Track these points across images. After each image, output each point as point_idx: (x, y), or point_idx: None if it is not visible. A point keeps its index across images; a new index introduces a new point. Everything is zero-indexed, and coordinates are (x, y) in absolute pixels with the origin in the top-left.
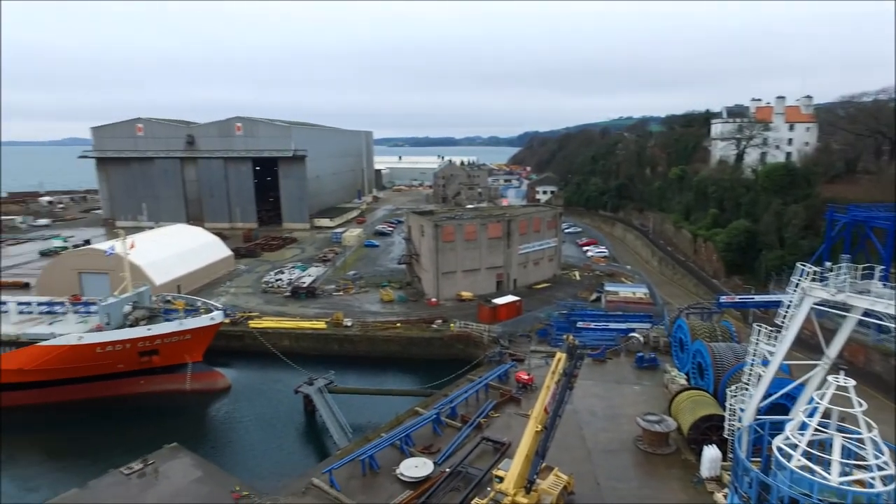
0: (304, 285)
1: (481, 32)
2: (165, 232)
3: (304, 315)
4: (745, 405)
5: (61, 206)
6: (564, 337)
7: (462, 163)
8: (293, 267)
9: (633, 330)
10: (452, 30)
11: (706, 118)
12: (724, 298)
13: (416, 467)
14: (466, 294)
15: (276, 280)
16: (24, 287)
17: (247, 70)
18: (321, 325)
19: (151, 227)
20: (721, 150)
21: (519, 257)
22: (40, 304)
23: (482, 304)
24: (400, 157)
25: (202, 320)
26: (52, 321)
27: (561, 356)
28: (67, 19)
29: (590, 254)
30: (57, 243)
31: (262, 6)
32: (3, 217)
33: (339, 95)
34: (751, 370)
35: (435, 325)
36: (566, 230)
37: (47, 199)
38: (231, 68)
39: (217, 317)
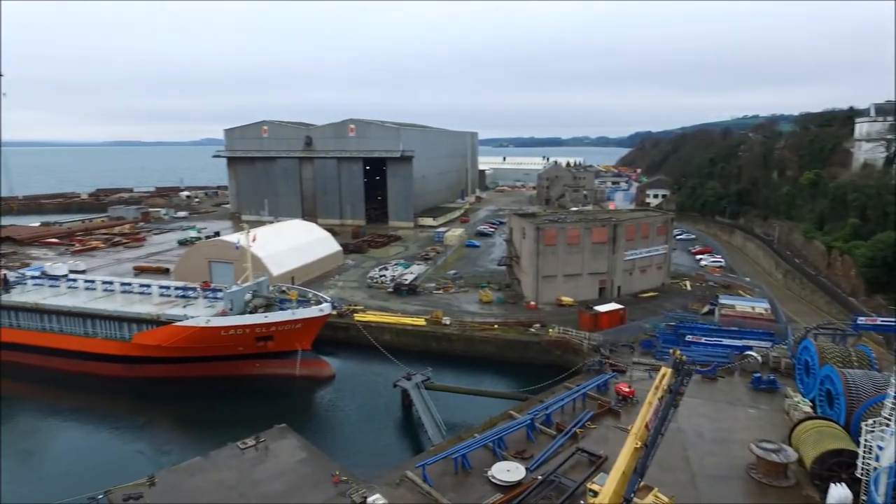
0: (406, 282)
1: (594, 31)
2: (283, 226)
3: (405, 311)
4: (885, 443)
5: (197, 200)
6: (671, 351)
7: (568, 164)
8: (396, 264)
9: (750, 348)
10: (561, 28)
11: (849, 117)
12: (862, 319)
13: (508, 471)
14: (567, 299)
15: (381, 276)
16: (165, 272)
17: (360, 72)
18: (421, 321)
19: (271, 222)
20: (866, 152)
21: (624, 264)
22: (177, 288)
23: (583, 310)
24: (504, 158)
25: (312, 311)
26: (185, 304)
27: (666, 371)
28: (204, 30)
29: (703, 263)
30: (192, 234)
31: (371, 7)
32: (150, 209)
33: (446, 96)
34: (894, 403)
35: (533, 329)
36: (677, 237)
37: (186, 193)
38: (345, 71)
39: (326, 308)
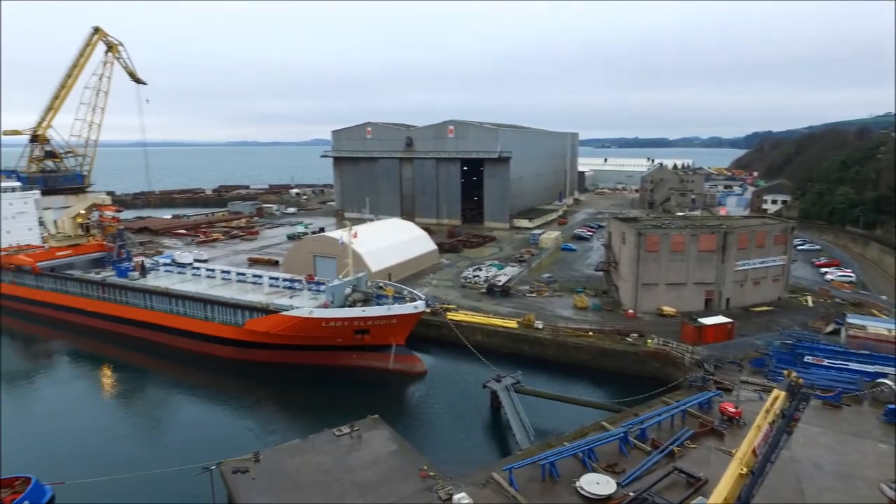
0: (500, 284)
1: (706, 24)
2: (383, 224)
3: (497, 312)
4: None
5: (305, 197)
6: (785, 372)
7: (675, 166)
8: (490, 265)
9: (884, 375)
10: (669, 23)
11: None
12: None
13: (598, 484)
14: (668, 309)
15: (474, 276)
16: (275, 264)
17: (463, 74)
18: (513, 324)
19: (372, 220)
20: None
21: (735, 274)
22: (284, 280)
23: (686, 322)
24: (605, 159)
25: (407, 308)
26: (291, 295)
27: (779, 394)
28: (318, 36)
29: (829, 277)
30: (300, 229)
31: (468, 6)
32: (264, 205)
33: (547, 96)
34: None
35: (630, 339)
36: (798, 247)
37: (296, 191)
38: (444, 72)
39: (420, 306)
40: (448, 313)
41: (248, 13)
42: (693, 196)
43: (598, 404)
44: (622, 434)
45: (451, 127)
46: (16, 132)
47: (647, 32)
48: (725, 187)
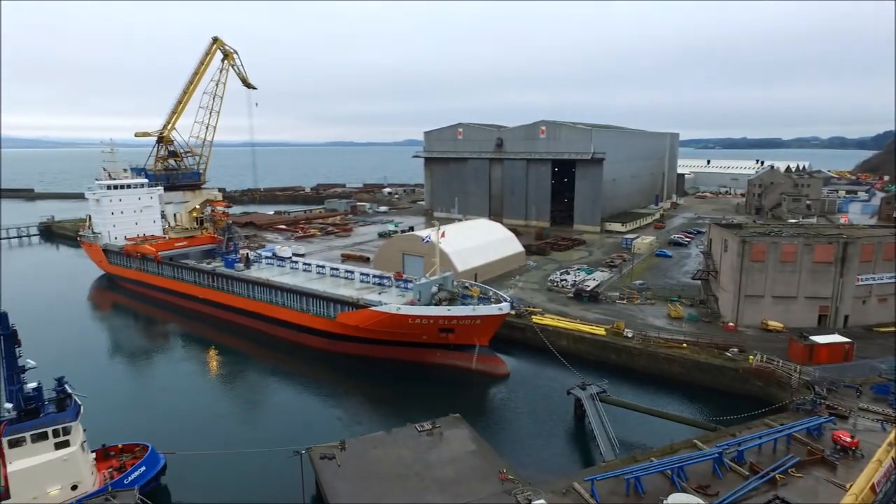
0: (588, 288)
1: (817, 9)
2: (470, 225)
3: (584, 318)
4: None
5: (397, 196)
6: None
7: (788, 169)
8: (579, 269)
9: None
10: (781, 16)
11: None
12: None
13: None
14: (775, 324)
15: (561, 280)
16: (366, 261)
17: (550, 72)
18: (600, 331)
19: (460, 220)
20: None
21: (857, 290)
22: (374, 276)
23: (795, 339)
24: (708, 161)
25: (492, 309)
26: (380, 291)
27: None
28: (416, 36)
29: None
30: (390, 227)
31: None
32: (357, 203)
33: (645, 95)
34: None
35: (729, 354)
36: None
37: (388, 190)
38: (533, 72)
39: (505, 307)
40: (533, 316)
41: (334, 17)
42: (808, 202)
43: (691, 421)
44: (717, 454)
45: (543, 127)
46: (146, 134)
47: (760, 27)
48: (848, 193)
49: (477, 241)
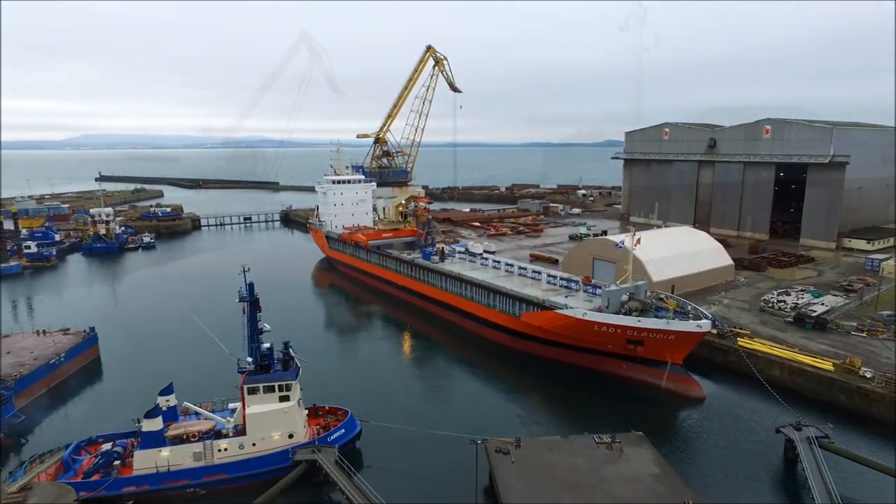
0: (814, 314)
1: None
2: (670, 232)
3: (805, 348)
4: None
5: (591, 198)
6: None
7: None
8: (803, 290)
9: None
10: None
11: None
12: None
13: None
14: None
15: (779, 301)
16: (554, 263)
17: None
18: (827, 365)
19: (659, 226)
20: None
21: None
22: (562, 279)
23: None
24: None
25: (689, 325)
26: (567, 295)
27: None
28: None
29: None
30: (582, 230)
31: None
32: (550, 204)
33: None
34: None
35: None
36: None
37: (582, 192)
38: (762, 64)
39: (705, 325)
40: (739, 339)
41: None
42: None
43: None
44: None
45: (768, 126)
46: (366, 136)
47: None
48: None
49: (676, 250)
